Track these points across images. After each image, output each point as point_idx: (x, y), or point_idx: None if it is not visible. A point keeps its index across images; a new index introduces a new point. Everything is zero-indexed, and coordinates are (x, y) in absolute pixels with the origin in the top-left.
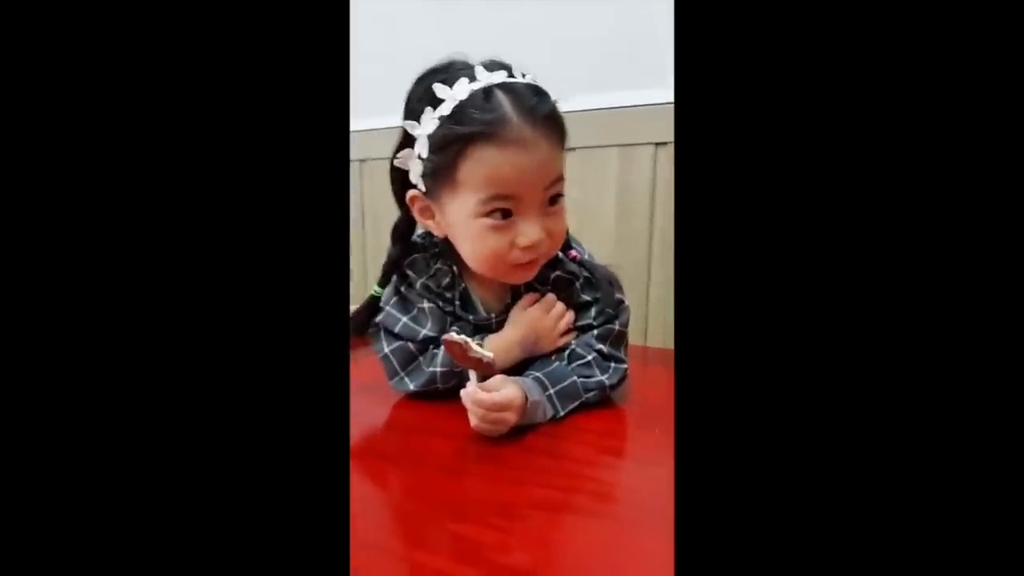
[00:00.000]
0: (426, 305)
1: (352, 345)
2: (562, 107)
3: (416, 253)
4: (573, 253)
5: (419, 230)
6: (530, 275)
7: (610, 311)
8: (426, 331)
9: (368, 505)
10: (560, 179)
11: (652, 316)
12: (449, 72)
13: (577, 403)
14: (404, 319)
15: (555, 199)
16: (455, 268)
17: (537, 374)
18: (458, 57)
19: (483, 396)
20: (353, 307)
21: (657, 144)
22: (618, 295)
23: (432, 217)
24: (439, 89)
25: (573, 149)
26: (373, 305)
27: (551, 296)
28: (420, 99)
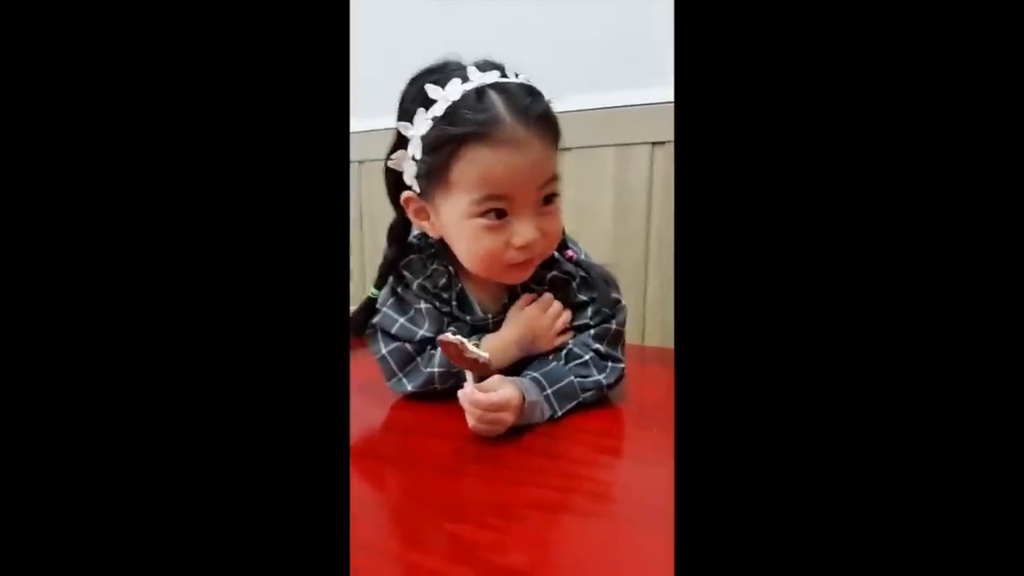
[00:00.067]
0: (423, 306)
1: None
2: (557, 107)
3: (412, 254)
4: (569, 253)
5: (415, 231)
6: (526, 275)
7: (607, 311)
8: (423, 332)
9: (365, 505)
10: (554, 178)
11: (649, 315)
12: (442, 73)
13: (574, 403)
14: (401, 320)
15: (550, 199)
16: (451, 269)
17: (535, 374)
18: (452, 58)
19: (480, 396)
20: (350, 308)
21: (654, 143)
22: (615, 294)
23: (427, 218)
24: (432, 90)
25: (569, 149)
26: (370, 306)
27: (548, 295)
28: (413, 100)
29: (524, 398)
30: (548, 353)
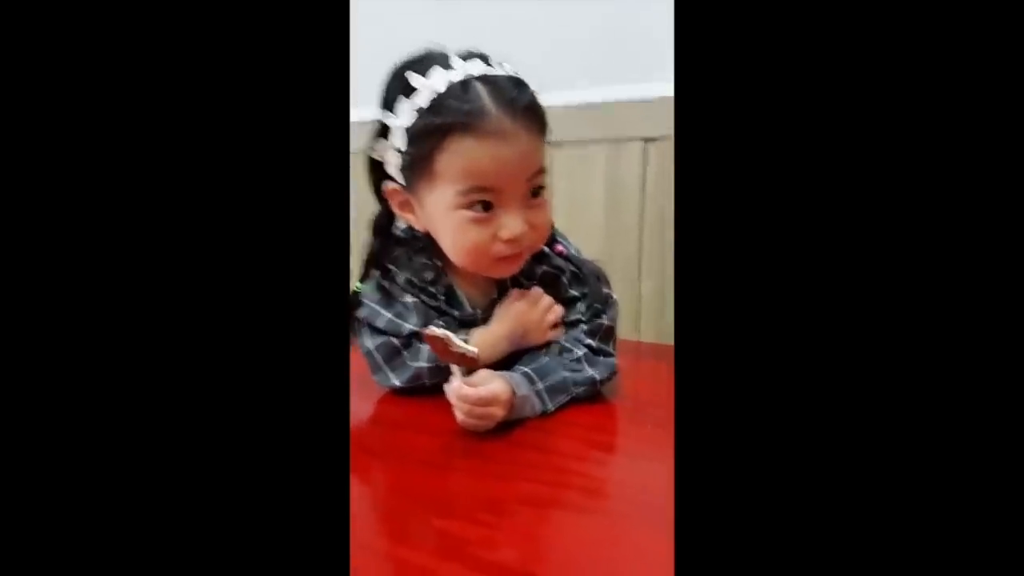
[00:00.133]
0: (410, 299)
1: None
2: (547, 100)
3: (397, 247)
4: (559, 248)
5: (400, 224)
6: (515, 269)
7: (598, 306)
8: (410, 326)
9: (352, 501)
10: (542, 171)
11: (644, 311)
12: (424, 62)
13: (566, 398)
14: (388, 314)
15: (538, 191)
16: (439, 263)
17: (526, 368)
18: (435, 48)
19: (468, 391)
20: None
21: (647, 140)
22: (605, 290)
23: (411, 211)
24: (415, 79)
25: (562, 144)
26: (355, 300)
27: (538, 289)
28: (396, 90)
29: (514, 392)
30: (540, 347)
